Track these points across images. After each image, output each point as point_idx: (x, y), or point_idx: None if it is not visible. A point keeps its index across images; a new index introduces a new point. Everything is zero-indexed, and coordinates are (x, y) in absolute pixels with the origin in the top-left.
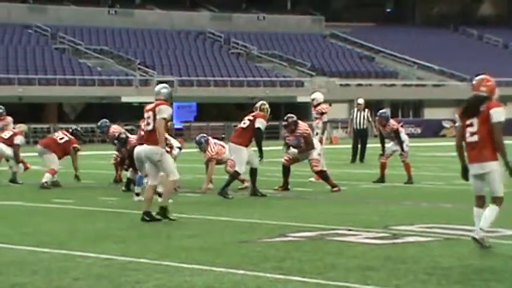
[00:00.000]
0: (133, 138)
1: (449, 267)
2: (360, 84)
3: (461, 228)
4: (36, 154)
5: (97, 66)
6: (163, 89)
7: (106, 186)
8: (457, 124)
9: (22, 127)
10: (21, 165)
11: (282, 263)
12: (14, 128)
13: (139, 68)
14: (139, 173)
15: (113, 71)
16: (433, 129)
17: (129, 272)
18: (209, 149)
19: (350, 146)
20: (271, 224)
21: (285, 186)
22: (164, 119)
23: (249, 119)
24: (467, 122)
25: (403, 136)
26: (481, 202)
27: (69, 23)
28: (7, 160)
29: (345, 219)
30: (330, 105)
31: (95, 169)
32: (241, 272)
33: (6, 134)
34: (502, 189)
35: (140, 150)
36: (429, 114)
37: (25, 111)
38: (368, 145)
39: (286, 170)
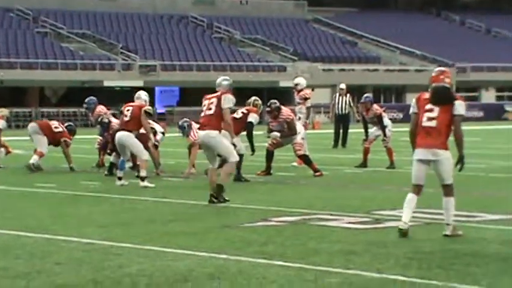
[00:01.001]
0: (116, 122)
1: (431, 252)
2: (342, 69)
3: (442, 213)
4: (19, 137)
5: (79, 50)
6: (224, 81)
7: (88, 170)
8: (412, 111)
9: (4, 111)
10: (2, 149)
11: (264, 247)
12: None
13: (121, 52)
14: (122, 158)
15: (95, 55)
16: None
17: (112, 257)
18: (192, 134)
19: (332, 131)
20: (254, 208)
21: (267, 171)
22: (230, 108)
23: (242, 112)
24: (427, 107)
25: (386, 121)
26: (417, 190)
27: (51, 7)
28: None
29: (327, 204)
30: (313, 90)
31: (77, 153)
32: (224, 256)
33: None
34: (451, 176)
35: (121, 135)
36: (411, 99)
37: (6, 95)
38: (350, 130)
39: (269, 155)
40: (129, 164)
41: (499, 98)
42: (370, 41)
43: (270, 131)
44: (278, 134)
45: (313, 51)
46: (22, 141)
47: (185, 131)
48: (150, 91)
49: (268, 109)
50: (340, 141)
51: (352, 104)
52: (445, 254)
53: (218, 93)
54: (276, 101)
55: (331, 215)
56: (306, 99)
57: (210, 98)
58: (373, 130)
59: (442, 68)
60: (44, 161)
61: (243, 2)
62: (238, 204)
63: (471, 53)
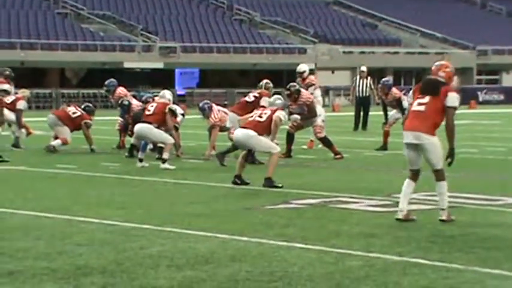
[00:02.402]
0: (136, 104)
1: (451, 236)
2: (362, 52)
3: (463, 196)
4: (43, 119)
5: (99, 31)
6: (277, 100)
7: (109, 152)
8: (409, 101)
9: (25, 92)
10: (23, 130)
11: (285, 229)
12: (16, 93)
13: (141, 34)
14: (142, 142)
15: (116, 37)
16: None
17: (133, 238)
18: (212, 116)
19: (352, 113)
20: (274, 191)
21: (287, 154)
22: (281, 119)
23: (254, 95)
24: (419, 96)
25: (405, 104)
26: (415, 176)
27: None
28: (9, 125)
29: (347, 186)
30: (333, 72)
31: (97, 135)
32: (245, 238)
33: (8, 99)
34: (441, 161)
35: (140, 127)
36: None
37: (27, 76)
38: (370, 113)
39: (290, 138)
40: (149, 146)
41: None
42: (390, 23)
43: (290, 113)
44: (298, 117)
45: (334, 33)
46: (43, 121)
47: (206, 112)
48: (170, 73)
49: (287, 92)
50: (360, 124)
51: (372, 87)
52: (465, 237)
53: (274, 108)
54: (295, 84)
55: (352, 197)
56: (311, 85)
57: (264, 109)
58: (393, 113)
59: (441, 62)
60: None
61: None
62: (258, 187)
63: (492, 36)
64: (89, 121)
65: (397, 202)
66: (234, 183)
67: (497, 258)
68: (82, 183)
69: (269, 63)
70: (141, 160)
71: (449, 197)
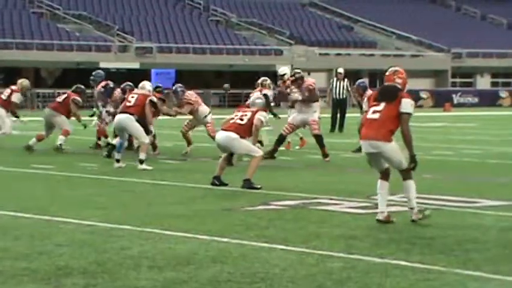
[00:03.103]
0: (119, 92)
1: (431, 237)
2: (338, 54)
3: (442, 198)
4: (15, 118)
5: (75, 31)
6: (257, 99)
7: (86, 152)
8: (364, 108)
9: (24, 82)
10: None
11: (266, 231)
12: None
13: (117, 34)
14: (119, 140)
15: (92, 37)
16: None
17: (113, 239)
18: (186, 94)
19: (329, 115)
20: (253, 192)
21: (271, 155)
22: (262, 121)
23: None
24: (375, 103)
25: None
26: (385, 176)
27: None
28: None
29: (326, 188)
30: (309, 74)
31: (75, 135)
32: (225, 240)
33: (4, 94)
34: (403, 161)
35: (121, 117)
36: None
37: (1, 76)
38: (347, 115)
39: (281, 139)
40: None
41: (493, 84)
42: (366, 25)
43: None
44: (300, 97)
45: (310, 35)
46: (15, 122)
47: (178, 95)
48: (146, 73)
49: (292, 78)
50: (337, 126)
51: (349, 89)
52: (445, 239)
53: (254, 109)
54: (299, 70)
55: (331, 199)
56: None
57: (245, 111)
58: None
59: (395, 68)
60: (42, 142)
61: None
62: (237, 188)
63: (466, 39)
64: (77, 98)
65: (377, 204)
66: (213, 184)
67: (477, 260)
68: (60, 183)
69: (245, 64)
70: (118, 161)
71: (428, 199)
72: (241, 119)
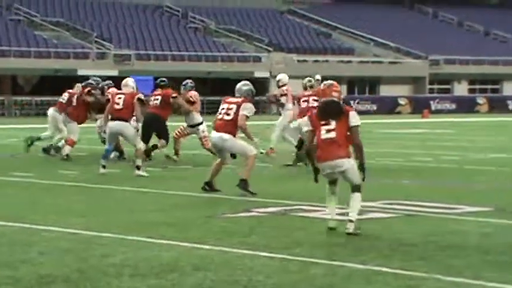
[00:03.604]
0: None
1: (412, 244)
2: (316, 61)
3: (421, 204)
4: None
5: (53, 38)
6: (244, 86)
7: (66, 159)
8: (306, 129)
9: None
10: None
11: (248, 238)
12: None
13: (96, 41)
14: (109, 146)
15: (69, 44)
16: (389, 106)
17: (95, 246)
18: (192, 92)
19: None
20: (235, 199)
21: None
22: (247, 116)
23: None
24: (323, 122)
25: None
26: (334, 182)
27: None
28: None
29: (307, 195)
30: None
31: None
32: (208, 247)
33: (63, 98)
34: (359, 177)
35: (116, 124)
36: (385, 91)
37: None
38: None
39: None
40: (116, 153)
41: (471, 90)
42: (344, 32)
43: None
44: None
45: (288, 42)
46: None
47: (187, 86)
48: None
49: (309, 84)
50: None
51: None
52: (426, 246)
53: (239, 100)
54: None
55: (312, 206)
56: (284, 95)
57: (229, 103)
58: None
59: (330, 82)
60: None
61: None
62: (218, 195)
63: (444, 46)
64: (90, 90)
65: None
66: (203, 189)
67: (458, 266)
68: (40, 191)
69: (224, 71)
70: (104, 167)
71: (407, 205)
72: (228, 114)
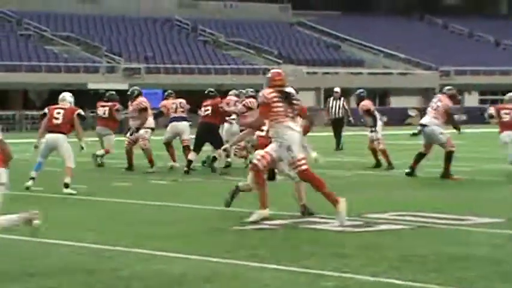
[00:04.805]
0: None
1: (424, 255)
2: (326, 73)
3: (433, 216)
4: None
5: (63, 52)
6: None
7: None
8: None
9: None
10: None
11: (257, 250)
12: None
13: (105, 55)
14: (40, 159)
15: (79, 58)
16: (399, 118)
17: (103, 260)
18: (247, 101)
19: (320, 134)
20: (243, 211)
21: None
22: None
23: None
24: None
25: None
26: None
27: (35, 9)
28: None
29: (316, 206)
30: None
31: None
32: (217, 260)
33: (104, 113)
34: None
35: (56, 137)
36: (395, 102)
37: None
38: (344, 133)
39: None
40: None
41: (482, 101)
42: (353, 44)
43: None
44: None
45: (298, 54)
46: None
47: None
48: None
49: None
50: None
51: (346, 107)
52: (438, 257)
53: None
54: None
55: (321, 218)
56: None
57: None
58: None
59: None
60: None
61: (227, 5)
62: (226, 208)
63: (454, 57)
64: (118, 106)
65: (367, 222)
66: (303, 214)
67: (471, 277)
68: (49, 204)
69: (234, 83)
70: (32, 178)
71: (419, 216)
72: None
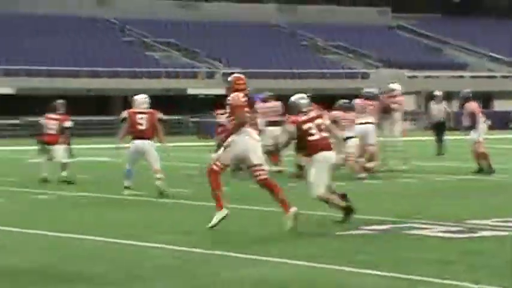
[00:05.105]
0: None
1: None
2: (427, 76)
3: None
4: (103, 145)
5: (163, 58)
6: (301, 100)
7: (176, 176)
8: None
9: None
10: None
11: (357, 256)
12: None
13: (205, 61)
14: (128, 167)
15: (179, 64)
16: (503, 121)
17: (203, 264)
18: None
19: (421, 138)
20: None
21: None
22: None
23: None
24: None
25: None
26: None
27: (136, 16)
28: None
29: (417, 212)
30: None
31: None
32: (317, 265)
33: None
34: None
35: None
36: (499, 106)
37: (92, 103)
38: (446, 137)
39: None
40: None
41: None
42: (455, 47)
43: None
44: None
45: (397, 57)
46: (106, 149)
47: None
48: None
49: None
50: (436, 149)
51: (449, 110)
52: None
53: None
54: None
55: (423, 223)
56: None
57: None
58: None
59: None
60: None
61: (326, 9)
62: (327, 213)
63: None
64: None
65: (470, 228)
66: (345, 217)
67: None
68: (150, 208)
69: (332, 88)
70: (127, 188)
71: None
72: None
